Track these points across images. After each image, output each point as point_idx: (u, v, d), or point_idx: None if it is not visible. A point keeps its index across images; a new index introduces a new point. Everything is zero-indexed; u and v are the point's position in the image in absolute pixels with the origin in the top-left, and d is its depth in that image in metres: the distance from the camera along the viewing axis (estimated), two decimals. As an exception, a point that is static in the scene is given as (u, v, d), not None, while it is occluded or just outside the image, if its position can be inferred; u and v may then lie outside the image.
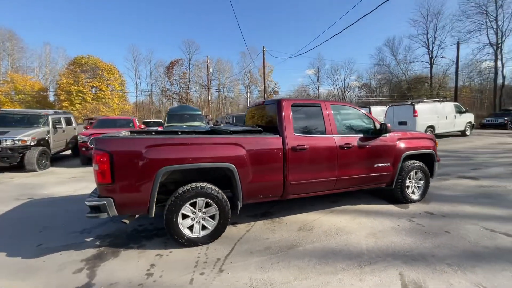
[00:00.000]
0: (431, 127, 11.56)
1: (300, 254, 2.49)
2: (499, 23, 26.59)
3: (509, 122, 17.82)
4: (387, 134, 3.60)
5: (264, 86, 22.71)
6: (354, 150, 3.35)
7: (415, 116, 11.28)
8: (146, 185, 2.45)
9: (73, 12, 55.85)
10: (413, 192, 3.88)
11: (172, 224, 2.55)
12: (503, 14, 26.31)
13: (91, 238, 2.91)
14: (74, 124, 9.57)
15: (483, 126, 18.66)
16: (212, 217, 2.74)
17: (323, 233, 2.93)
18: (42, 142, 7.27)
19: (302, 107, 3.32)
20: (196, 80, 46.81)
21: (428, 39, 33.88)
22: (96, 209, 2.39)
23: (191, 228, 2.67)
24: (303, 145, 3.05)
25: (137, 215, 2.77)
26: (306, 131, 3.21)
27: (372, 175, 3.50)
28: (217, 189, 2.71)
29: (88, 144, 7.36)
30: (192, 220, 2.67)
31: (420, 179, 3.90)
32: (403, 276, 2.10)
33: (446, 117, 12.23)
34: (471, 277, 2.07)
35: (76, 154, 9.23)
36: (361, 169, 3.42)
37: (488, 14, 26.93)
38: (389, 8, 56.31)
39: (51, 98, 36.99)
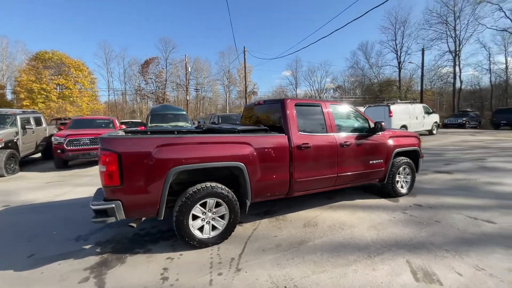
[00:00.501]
0: (404, 126, 12.45)
1: (311, 249, 2.56)
2: (457, 32, 29.44)
3: (467, 122, 19.85)
4: (380, 133, 3.84)
5: (245, 87, 22.73)
6: (352, 147, 3.51)
7: (390, 116, 12.07)
8: (157, 186, 2.36)
9: (35, 3, 51.18)
10: (401, 187, 4.17)
11: (183, 226, 2.48)
12: (460, 24, 29.19)
13: (89, 245, 2.72)
14: (44, 125, 8.79)
15: (445, 126, 20.50)
16: (222, 217, 2.71)
17: (328, 228, 3.04)
18: (10, 144, 6.59)
19: (304, 106, 3.41)
20: (173, 79, 45.47)
21: (396, 45, 36.47)
22: (102, 213, 2.25)
23: (201, 229, 2.62)
24: (307, 143, 3.14)
25: (143, 218, 2.65)
26: (309, 130, 3.30)
27: (368, 171, 3.70)
28: (227, 188, 2.69)
29: (64, 146, 6.82)
30: (202, 221, 2.61)
31: (407, 174, 4.21)
32: (410, 263, 2.27)
33: (417, 117, 13.26)
34: (467, 260, 2.29)
35: (48, 157, 8.49)
36: (358, 166, 3.60)
37: (448, 24, 29.69)
38: (363, 14, 59.50)
39: (9, 96, 33.60)
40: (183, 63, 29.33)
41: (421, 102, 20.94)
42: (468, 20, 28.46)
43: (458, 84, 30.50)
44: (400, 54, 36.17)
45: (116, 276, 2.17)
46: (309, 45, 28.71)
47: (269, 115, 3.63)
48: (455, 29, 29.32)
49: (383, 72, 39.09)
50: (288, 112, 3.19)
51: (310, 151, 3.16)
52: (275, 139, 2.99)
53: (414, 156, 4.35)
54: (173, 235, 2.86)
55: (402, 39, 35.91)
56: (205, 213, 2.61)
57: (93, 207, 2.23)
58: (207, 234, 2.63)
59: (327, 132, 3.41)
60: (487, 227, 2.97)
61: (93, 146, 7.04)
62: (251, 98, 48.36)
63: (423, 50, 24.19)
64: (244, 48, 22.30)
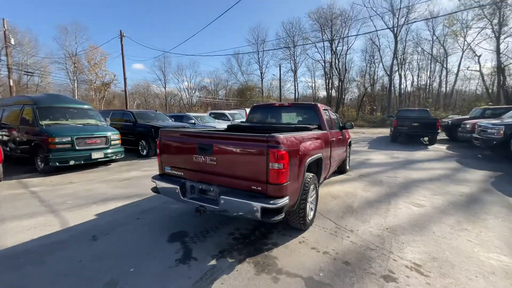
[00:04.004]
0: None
1: (360, 204, 3.77)
2: (296, 56, 40.37)
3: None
4: (343, 130, 5.65)
5: (125, 78, 19.12)
6: (339, 139, 5.03)
7: None
8: (300, 180, 2.65)
9: None
10: (348, 165, 6.28)
11: (304, 212, 2.87)
12: (294, 50, 40.15)
13: (210, 261, 2.40)
14: None
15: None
16: (313, 200, 3.29)
17: (346, 196, 4.36)
18: None
19: (324, 110, 4.48)
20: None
21: (259, 58, 44.12)
22: (273, 212, 2.27)
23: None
24: (333, 137, 4.28)
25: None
26: (330, 127, 4.43)
27: (344, 155, 5.39)
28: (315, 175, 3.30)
29: None
30: (310, 204, 3.09)
31: (348, 157, 6.38)
32: (409, 198, 4.05)
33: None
34: (413, 196, 4.40)
35: None
36: (342, 152, 5.19)
37: (290, 49, 39.94)
38: (235, 25, 65.92)
39: None
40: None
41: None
42: (300, 50, 39.94)
43: (297, 95, 42.04)
44: (261, 65, 44.35)
45: (287, 261, 2.33)
46: (179, 44, 28.05)
47: (298, 115, 4.38)
48: (294, 53, 40.09)
49: (251, 79, 46.22)
50: (322, 114, 4.16)
51: (334, 142, 4.32)
52: (326, 135, 3.89)
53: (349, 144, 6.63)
54: (264, 231, 3.07)
55: (263, 54, 44.09)
56: (311, 197, 3.11)
57: (272, 206, 2.21)
58: (310, 217, 3.13)
59: (334, 129, 4.70)
60: (399, 179, 5.48)
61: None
62: (103, 89, 40.32)
63: (279, 66, 31.46)
64: (122, 33, 18.77)
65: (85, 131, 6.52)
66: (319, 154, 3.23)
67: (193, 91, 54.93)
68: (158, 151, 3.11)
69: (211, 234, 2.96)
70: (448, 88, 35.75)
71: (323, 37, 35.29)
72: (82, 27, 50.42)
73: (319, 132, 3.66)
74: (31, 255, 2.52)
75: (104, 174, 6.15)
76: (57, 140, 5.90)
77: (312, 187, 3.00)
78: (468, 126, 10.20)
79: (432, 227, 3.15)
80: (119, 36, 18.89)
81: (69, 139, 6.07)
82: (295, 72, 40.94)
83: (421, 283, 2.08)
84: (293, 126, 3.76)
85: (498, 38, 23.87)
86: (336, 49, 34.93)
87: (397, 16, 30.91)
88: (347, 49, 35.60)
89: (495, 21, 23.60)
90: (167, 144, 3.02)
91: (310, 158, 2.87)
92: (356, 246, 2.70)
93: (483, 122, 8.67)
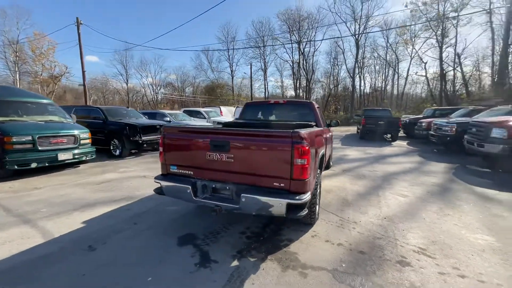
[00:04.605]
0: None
1: (353, 197, 4.00)
2: (266, 55, 40.85)
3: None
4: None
5: (83, 71, 17.11)
6: (330, 136, 5.26)
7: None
8: (314, 175, 2.71)
9: None
10: (332, 160, 6.59)
11: (315, 208, 2.95)
12: (264, 49, 40.65)
13: (231, 262, 2.32)
14: None
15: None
16: (319, 194, 3.38)
17: (338, 190, 4.58)
18: None
19: (317, 108, 4.62)
20: None
21: (229, 56, 43.51)
22: (300, 207, 2.29)
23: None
24: (327, 134, 4.45)
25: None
26: (323, 124, 4.60)
27: (331, 151, 5.64)
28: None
29: None
30: (318, 199, 3.18)
31: (331, 153, 6.70)
32: (393, 190, 4.41)
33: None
34: (396, 188, 4.83)
35: None
36: (330, 148, 5.43)
37: (260, 48, 40.26)
38: (206, 20, 63.43)
39: None
40: None
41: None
42: (270, 50, 40.55)
43: (267, 94, 42.65)
44: (232, 64, 43.85)
45: (308, 256, 2.37)
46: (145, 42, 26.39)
47: (294, 113, 4.44)
48: (264, 53, 40.53)
49: (222, 76, 45.35)
50: (317, 112, 4.29)
51: (328, 138, 4.50)
52: (325, 131, 4.02)
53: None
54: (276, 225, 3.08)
55: (233, 52, 43.60)
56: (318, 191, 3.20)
57: (297, 202, 2.21)
58: (317, 210, 3.21)
59: (325, 126, 4.89)
60: (378, 172, 5.95)
61: None
62: (57, 84, 36.19)
63: (250, 65, 31.56)
64: (79, 20, 16.83)
65: (48, 129, 5.71)
66: (323, 150, 3.34)
67: (158, 88, 52.08)
68: (161, 149, 2.87)
69: (222, 234, 2.85)
70: (399, 91, 39.82)
71: (292, 38, 36.40)
72: (24, 10, 44.16)
73: (320, 129, 3.78)
74: (19, 272, 2.14)
75: (75, 177, 5.48)
76: (14, 140, 5.07)
77: (319, 181, 3.09)
78: (424, 124, 11.48)
79: (421, 214, 3.48)
80: (75, 24, 16.94)
81: (29, 138, 5.26)
82: (265, 71, 41.49)
83: (431, 264, 2.29)
84: (295, 123, 3.82)
85: (441, 48, 27.28)
86: (304, 50, 36.32)
87: (358, 23, 33.35)
88: (314, 51, 37.29)
89: (439, 32, 26.94)
90: (172, 141, 2.82)
91: (320, 154, 2.95)
92: (364, 236, 2.85)
93: (438, 120, 9.86)
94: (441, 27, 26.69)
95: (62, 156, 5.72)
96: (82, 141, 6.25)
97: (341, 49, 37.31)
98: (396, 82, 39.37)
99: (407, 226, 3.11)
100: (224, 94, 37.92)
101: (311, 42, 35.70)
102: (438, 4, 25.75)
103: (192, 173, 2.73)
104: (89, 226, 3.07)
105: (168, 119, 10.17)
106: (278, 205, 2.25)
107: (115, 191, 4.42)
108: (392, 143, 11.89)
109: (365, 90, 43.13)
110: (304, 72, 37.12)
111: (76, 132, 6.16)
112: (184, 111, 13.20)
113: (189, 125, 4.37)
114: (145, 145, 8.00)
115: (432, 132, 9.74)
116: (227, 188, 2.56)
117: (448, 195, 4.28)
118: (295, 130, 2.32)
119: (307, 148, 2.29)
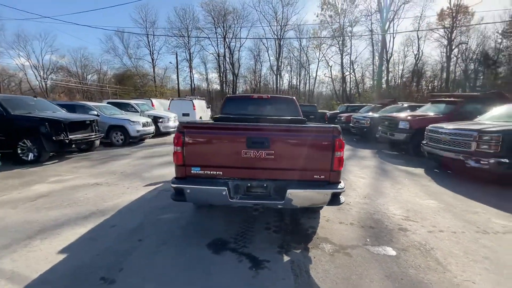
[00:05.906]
0: (201, 117, 15.75)
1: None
2: (190, 46, 38.46)
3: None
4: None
5: None
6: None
7: (194, 109, 14.67)
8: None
9: None
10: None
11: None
12: (189, 40, 38.36)
13: (283, 258, 2.35)
14: None
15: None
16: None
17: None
18: None
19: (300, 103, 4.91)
20: None
21: (149, 43, 38.41)
22: (339, 195, 2.51)
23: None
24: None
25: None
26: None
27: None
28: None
29: None
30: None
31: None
32: (352, 174, 5.29)
33: (204, 110, 17.21)
34: (352, 172, 5.83)
35: None
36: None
37: (184, 38, 37.58)
38: None
39: None
40: None
41: (179, 96, 25.79)
42: (195, 40, 38.54)
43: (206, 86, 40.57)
44: (153, 51, 38.94)
45: (337, 238, 2.68)
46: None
47: (279, 107, 4.56)
48: (189, 43, 38.15)
49: (142, 65, 39.42)
50: (299, 107, 4.60)
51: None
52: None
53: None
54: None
55: (153, 37, 38.70)
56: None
57: (339, 191, 2.42)
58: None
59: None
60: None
61: None
62: None
63: (176, 54, 29.20)
64: None
65: None
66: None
67: (48, 72, 40.81)
68: (178, 149, 2.47)
69: (249, 234, 2.77)
70: (310, 89, 46.05)
71: (216, 31, 35.83)
72: None
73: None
74: None
75: (-19, 195, 3.86)
76: None
77: None
78: (343, 118, 13.91)
79: (384, 190, 4.39)
80: None
81: None
82: (190, 62, 39.24)
83: (419, 227, 3.01)
84: (289, 118, 3.97)
85: (342, 54, 33.20)
86: (229, 44, 36.48)
87: (280, 25, 36.13)
88: (240, 46, 38.02)
89: (341, 42, 32.68)
90: (197, 140, 2.48)
91: None
92: (362, 213, 3.39)
93: (356, 115, 12.19)
94: (341, 38, 32.40)
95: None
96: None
97: (266, 47, 39.59)
98: (308, 82, 45.28)
99: (383, 201, 3.87)
100: (145, 85, 33.53)
101: (237, 36, 36.26)
102: (339, 18, 31.20)
103: (221, 173, 2.51)
104: (75, 254, 2.34)
105: (95, 112, 8.31)
106: (324, 196, 2.41)
107: (72, 207, 3.43)
108: (321, 134, 13.84)
109: (284, 87, 47.55)
110: (230, 66, 37.41)
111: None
112: (109, 103, 11.06)
113: (197, 120, 3.80)
114: (73, 146, 6.37)
115: (351, 125, 11.97)
116: (264, 185, 2.51)
117: (388, 174, 5.52)
118: (335, 125, 2.51)
119: (343, 141, 2.53)
